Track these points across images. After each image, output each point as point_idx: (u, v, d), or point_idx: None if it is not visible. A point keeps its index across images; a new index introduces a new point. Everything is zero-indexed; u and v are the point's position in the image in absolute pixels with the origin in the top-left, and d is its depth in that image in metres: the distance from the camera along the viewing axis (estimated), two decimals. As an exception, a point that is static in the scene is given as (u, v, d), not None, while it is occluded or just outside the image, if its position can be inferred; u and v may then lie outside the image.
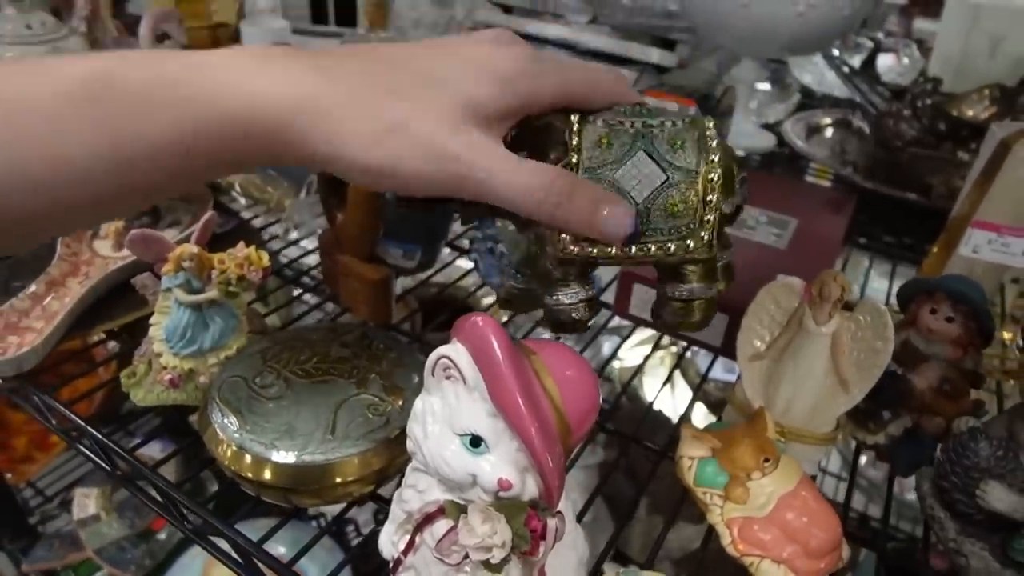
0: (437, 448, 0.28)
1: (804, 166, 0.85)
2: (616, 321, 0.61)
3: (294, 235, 0.73)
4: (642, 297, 0.56)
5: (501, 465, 0.27)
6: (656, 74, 0.83)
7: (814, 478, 0.38)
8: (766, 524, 0.35)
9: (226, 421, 0.38)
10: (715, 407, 0.85)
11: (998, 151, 0.51)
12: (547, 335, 0.64)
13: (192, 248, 0.43)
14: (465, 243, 0.66)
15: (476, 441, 0.27)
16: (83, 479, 0.97)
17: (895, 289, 0.47)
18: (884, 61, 1.00)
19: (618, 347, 0.75)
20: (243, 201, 0.74)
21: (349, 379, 0.41)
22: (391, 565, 0.31)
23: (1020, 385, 0.51)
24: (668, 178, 0.28)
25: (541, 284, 0.32)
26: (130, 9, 0.97)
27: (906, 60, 1.03)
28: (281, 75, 0.26)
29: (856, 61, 0.92)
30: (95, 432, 0.43)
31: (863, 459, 0.92)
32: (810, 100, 0.97)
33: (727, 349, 0.53)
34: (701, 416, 0.85)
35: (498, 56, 0.28)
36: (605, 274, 0.60)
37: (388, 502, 0.32)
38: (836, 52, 0.86)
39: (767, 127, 0.88)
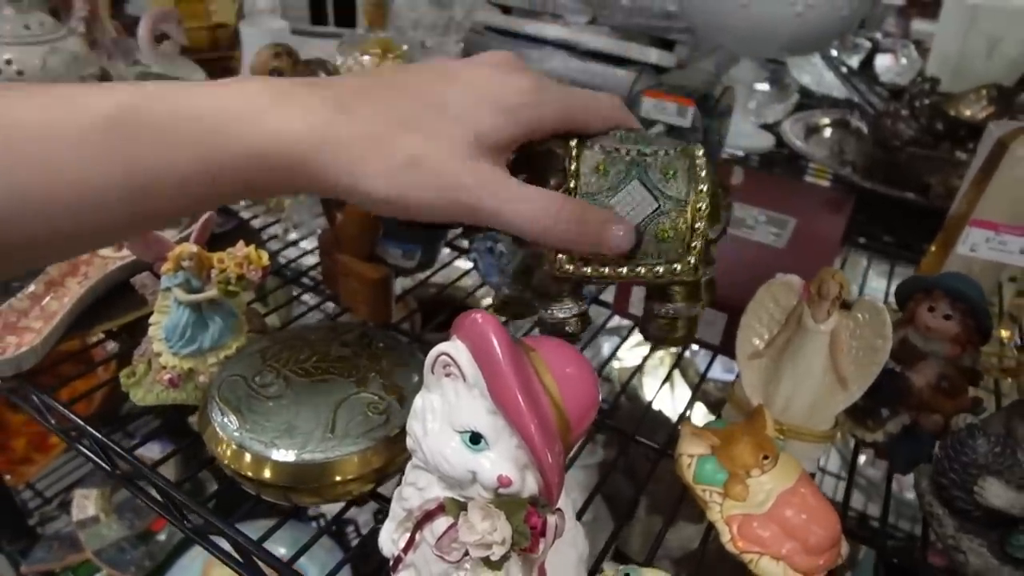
0: (437, 445, 0.28)
1: (803, 166, 0.85)
2: (616, 321, 0.61)
3: (293, 235, 0.73)
4: (641, 297, 0.56)
5: (501, 462, 0.27)
6: (655, 74, 0.83)
7: (813, 477, 0.38)
8: (765, 521, 0.35)
9: (226, 420, 0.38)
10: (714, 407, 0.85)
11: (995, 150, 0.51)
12: (546, 334, 0.64)
13: (191, 247, 0.43)
14: (465, 243, 0.66)
15: (476, 438, 0.27)
16: (82, 480, 0.97)
17: (893, 288, 0.47)
18: (882, 61, 1.00)
19: (617, 347, 0.75)
20: (242, 201, 0.74)
21: (349, 378, 0.41)
22: (391, 563, 0.31)
23: (1017, 383, 0.51)
24: (660, 206, 0.29)
25: (536, 297, 0.33)
26: (129, 10, 0.97)
27: (904, 60, 1.04)
28: (300, 111, 0.27)
29: (854, 61, 0.92)
30: (95, 432, 0.43)
31: (862, 458, 0.92)
32: (809, 100, 0.97)
33: (726, 347, 0.53)
34: (700, 416, 0.85)
35: (504, 86, 0.29)
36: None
37: (388, 500, 0.32)
38: (834, 52, 0.86)
39: (766, 127, 0.89)
